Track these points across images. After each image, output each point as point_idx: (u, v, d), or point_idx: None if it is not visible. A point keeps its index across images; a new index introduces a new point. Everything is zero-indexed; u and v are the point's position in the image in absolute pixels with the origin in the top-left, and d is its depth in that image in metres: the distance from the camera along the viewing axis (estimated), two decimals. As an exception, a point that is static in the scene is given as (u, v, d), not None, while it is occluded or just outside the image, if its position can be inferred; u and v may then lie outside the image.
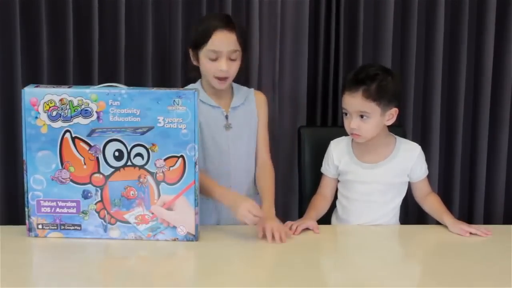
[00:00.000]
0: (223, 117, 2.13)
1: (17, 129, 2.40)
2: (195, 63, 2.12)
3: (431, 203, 2.15)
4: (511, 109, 2.67)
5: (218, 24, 2.04)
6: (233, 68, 2.07)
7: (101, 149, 1.85)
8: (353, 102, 2.05)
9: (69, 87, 1.87)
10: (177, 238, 1.89)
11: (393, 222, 2.17)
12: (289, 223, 2.04)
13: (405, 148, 2.14)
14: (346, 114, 2.10)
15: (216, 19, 2.08)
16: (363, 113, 2.05)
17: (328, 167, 2.19)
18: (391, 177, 2.12)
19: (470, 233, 2.01)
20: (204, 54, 2.06)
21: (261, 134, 2.21)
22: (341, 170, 2.16)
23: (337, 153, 2.18)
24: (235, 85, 2.20)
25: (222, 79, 2.06)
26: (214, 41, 2.03)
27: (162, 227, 1.89)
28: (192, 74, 2.17)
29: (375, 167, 2.12)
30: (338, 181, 2.20)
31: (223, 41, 2.03)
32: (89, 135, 1.85)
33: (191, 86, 2.18)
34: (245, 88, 2.23)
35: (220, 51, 2.03)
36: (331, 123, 2.61)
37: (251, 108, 2.19)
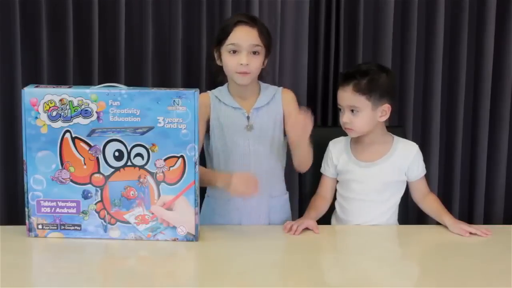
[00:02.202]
0: (244, 118, 2.12)
1: (17, 129, 2.40)
2: (218, 62, 2.12)
3: (430, 204, 2.16)
4: (511, 109, 2.67)
5: (240, 19, 2.06)
6: (255, 63, 2.05)
7: (101, 149, 1.85)
8: (344, 96, 2.08)
9: (69, 87, 1.87)
10: (177, 238, 1.89)
11: (392, 222, 2.17)
12: (288, 223, 2.04)
13: (402, 146, 2.15)
14: (340, 109, 2.13)
15: (238, 16, 2.11)
16: (354, 107, 2.07)
17: (327, 167, 2.20)
18: (388, 176, 2.12)
19: (470, 233, 2.01)
20: (225, 48, 2.06)
21: None
22: (340, 169, 2.17)
23: (336, 152, 2.18)
24: (263, 85, 2.18)
25: (243, 73, 2.05)
26: (235, 35, 2.04)
27: (162, 227, 1.89)
28: (219, 78, 2.16)
29: (372, 165, 2.12)
30: (337, 181, 2.20)
31: (243, 35, 2.04)
32: (89, 135, 1.85)
33: (217, 88, 2.18)
34: (273, 87, 2.19)
35: (240, 44, 2.03)
36: (331, 123, 2.62)
37: (277, 108, 2.15)
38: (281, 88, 2.20)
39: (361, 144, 2.15)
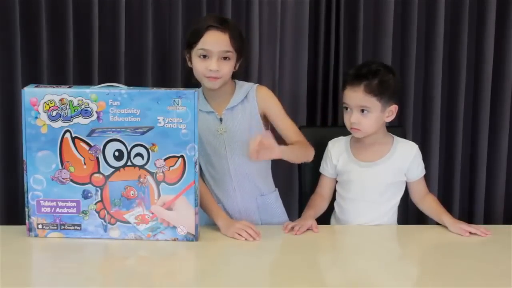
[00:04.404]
0: (217, 121, 2.10)
1: (17, 129, 2.40)
2: (189, 64, 2.09)
3: (429, 204, 2.16)
4: (511, 109, 2.67)
5: (210, 24, 2.02)
6: (225, 69, 2.02)
7: (101, 149, 1.85)
8: (355, 96, 2.07)
9: (69, 87, 1.87)
10: (177, 238, 1.89)
11: (391, 223, 2.17)
12: (289, 223, 2.04)
13: (402, 146, 2.15)
14: (346, 108, 2.11)
15: (210, 20, 2.06)
16: (364, 108, 2.06)
17: (326, 167, 2.20)
18: (388, 176, 2.12)
19: (470, 232, 2.01)
20: (195, 52, 2.03)
21: (283, 125, 2.11)
22: (339, 169, 2.17)
23: (335, 152, 2.18)
24: (239, 83, 2.15)
25: (212, 78, 2.03)
26: (205, 40, 2.01)
27: (162, 227, 1.89)
28: (193, 80, 2.13)
29: (373, 166, 2.12)
30: (336, 181, 2.20)
31: (214, 41, 2.00)
32: (89, 135, 1.85)
33: None
34: (248, 84, 2.15)
35: (210, 50, 2.00)
36: (331, 123, 2.62)
37: (251, 106, 2.11)
38: (256, 85, 2.15)
39: (362, 144, 2.15)
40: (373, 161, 2.13)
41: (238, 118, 2.10)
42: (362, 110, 2.07)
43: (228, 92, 2.12)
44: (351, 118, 2.09)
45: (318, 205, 2.16)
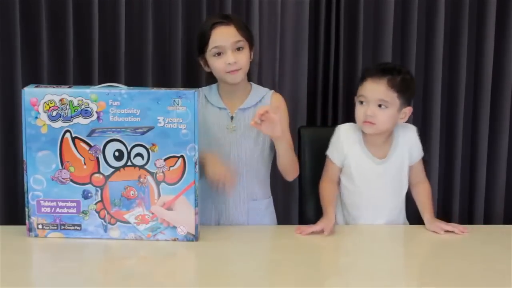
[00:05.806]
0: (228, 118, 2.11)
1: (17, 129, 2.40)
2: (206, 69, 2.12)
3: (419, 194, 2.17)
4: (511, 109, 2.67)
5: (214, 22, 2.05)
6: (243, 59, 2.05)
7: (101, 149, 1.85)
8: (376, 89, 2.05)
9: (69, 87, 1.87)
10: (177, 238, 1.89)
11: (402, 216, 2.19)
12: (309, 228, 2.00)
13: (402, 131, 2.15)
14: (362, 102, 2.09)
15: (212, 19, 2.10)
16: (383, 102, 2.05)
17: (336, 153, 2.15)
18: (400, 168, 2.12)
19: (447, 231, 2.01)
20: (209, 53, 2.05)
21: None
22: (350, 161, 2.13)
23: (348, 142, 2.14)
24: (254, 86, 2.17)
25: (233, 72, 2.04)
26: (214, 38, 2.03)
27: (162, 227, 1.89)
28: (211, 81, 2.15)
29: (385, 162, 2.12)
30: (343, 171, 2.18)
31: (222, 36, 2.03)
32: (89, 135, 1.85)
33: (208, 86, 2.17)
34: (264, 89, 2.18)
35: (223, 45, 2.03)
36: (331, 123, 2.61)
37: None
38: (272, 91, 2.18)
39: (372, 139, 2.13)
40: (384, 157, 2.12)
41: (249, 119, 2.09)
42: (380, 105, 2.06)
43: (244, 92, 2.14)
44: (367, 111, 2.06)
45: (334, 196, 2.13)
